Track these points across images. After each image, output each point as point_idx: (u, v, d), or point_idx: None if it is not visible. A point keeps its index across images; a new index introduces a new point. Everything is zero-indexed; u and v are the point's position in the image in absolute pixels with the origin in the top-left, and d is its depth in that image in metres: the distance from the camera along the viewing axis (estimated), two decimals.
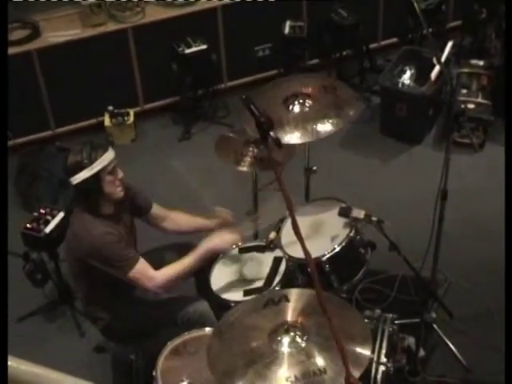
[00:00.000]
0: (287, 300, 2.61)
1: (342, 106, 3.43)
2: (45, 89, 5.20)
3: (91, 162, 2.99)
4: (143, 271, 3.10)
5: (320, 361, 2.36)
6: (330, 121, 3.35)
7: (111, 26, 5.27)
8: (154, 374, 2.88)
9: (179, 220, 3.55)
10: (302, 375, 2.31)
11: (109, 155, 3.06)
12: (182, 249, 3.39)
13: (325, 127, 3.33)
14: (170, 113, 5.69)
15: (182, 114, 5.58)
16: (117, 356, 3.68)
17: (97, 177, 3.02)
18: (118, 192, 3.14)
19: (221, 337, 2.56)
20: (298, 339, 2.45)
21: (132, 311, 3.28)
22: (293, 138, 3.31)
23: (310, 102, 3.46)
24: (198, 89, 5.57)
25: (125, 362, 3.46)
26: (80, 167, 2.99)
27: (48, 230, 3.83)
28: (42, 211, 3.93)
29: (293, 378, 2.30)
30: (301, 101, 3.46)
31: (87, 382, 1.73)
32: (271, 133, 2.08)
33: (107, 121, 5.32)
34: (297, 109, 3.45)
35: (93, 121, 5.43)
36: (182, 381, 2.79)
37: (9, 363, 1.66)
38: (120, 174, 3.12)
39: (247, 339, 2.48)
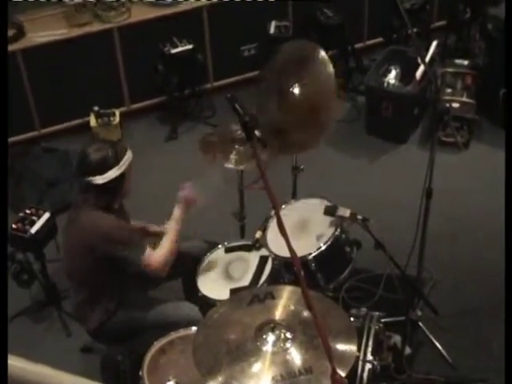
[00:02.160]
0: (273, 297, 2.61)
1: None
2: (30, 89, 5.18)
3: (118, 160, 3.01)
4: (151, 254, 3.12)
5: (305, 360, 2.36)
6: None
7: (97, 26, 5.26)
8: (140, 373, 2.88)
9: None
10: (287, 374, 2.31)
11: (130, 153, 3.11)
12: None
13: None
14: (156, 113, 5.69)
15: (168, 114, 5.58)
16: (104, 357, 3.68)
17: (123, 175, 3.05)
18: (129, 188, 3.19)
19: (206, 333, 2.56)
20: (284, 338, 2.45)
21: (122, 314, 3.27)
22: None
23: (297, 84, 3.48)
24: (184, 89, 5.57)
25: (112, 363, 3.46)
26: (108, 166, 2.99)
27: (34, 230, 3.82)
28: (28, 212, 3.91)
29: (278, 377, 2.30)
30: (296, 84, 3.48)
31: (85, 379, 1.73)
32: (256, 132, 2.09)
33: (93, 121, 5.30)
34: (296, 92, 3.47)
35: (79, 121, 5.41)
36: (169, 380, 2.78)
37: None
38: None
39: (232, 336, 2.48)
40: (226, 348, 2.42)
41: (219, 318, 2.62)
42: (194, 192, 3.32)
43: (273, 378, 2.30)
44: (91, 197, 3.07)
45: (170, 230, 3.23)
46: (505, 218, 2.92)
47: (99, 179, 3.00)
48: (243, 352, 2.39)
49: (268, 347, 2.41)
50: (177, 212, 3.28)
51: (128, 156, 3.08)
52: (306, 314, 2.46)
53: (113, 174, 3.01)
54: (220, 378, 2.31)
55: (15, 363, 1.65)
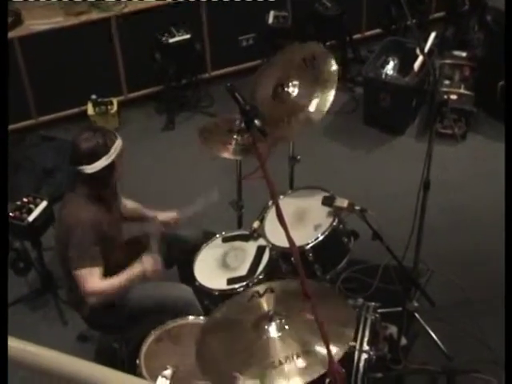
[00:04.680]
0: (272, 291, 2.64)
1: (323, 77, 3.43)
2: (27, 77, 5.17)
3: (107, 150, 2.98)
4: (90, 276, 3.02)
5: (309, 342, 2.38)
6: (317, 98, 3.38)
7: (94, 15, 5.23)
8: (137, 362, 2.89)
9: (128, 208, 3.53)
10: (295, 354, 2.36)
11: (120, 141, 3.07)
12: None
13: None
14: (154, 102, 5.68)
15: (165, 104, 5.56)
16: (100, 345, 3.69)
17: (112, 164, 3.02)
18: (119, 177, 3.16)
19: (209, 334, 2.59)
20: (285, 325, 2.49)
21: (117, 299, 3.27)
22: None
23: (295, 82, 3.49)
24: (182, 78, 5.56)
25: (108, 351, 3.47)
26: (97, 155, 2.97)
27: (31, 218, 3.82)
28: (25, 200, 3.91)
29: (277, 364, 2.31)
30: (289, 84, 3.50)
31: (80, 360, 1.74)
32: (256, 121, 2.09)
33: (90, 109, 5.30)
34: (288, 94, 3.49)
35: (76, 109, 5.40)
36: (166, 368, 2.79)
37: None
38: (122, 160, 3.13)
39: (236, 333, 2.52)
40: (232, 348, 2.46)
41: (222, 318, 2.68)
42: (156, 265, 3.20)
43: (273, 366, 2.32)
44: (81, 185, 3.07)
45: (126, 273, 3.13)
46: (505, 213, 2.91)
47: (88, 169, 2.98)
48: (249, 347, 2.42)
49: (273, 334, 2.46)
50: (137, 268, 3.15)
51: (117, 144, 3.04)
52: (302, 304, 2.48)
53: (102, 163, 2.98)
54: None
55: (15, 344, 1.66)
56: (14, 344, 1.68)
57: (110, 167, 3.02)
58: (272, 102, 3.49)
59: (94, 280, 3.03)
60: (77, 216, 3.03)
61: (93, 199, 3.08)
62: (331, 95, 3.35)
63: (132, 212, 3.54)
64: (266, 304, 2.65)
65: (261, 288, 2.72)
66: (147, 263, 3.16)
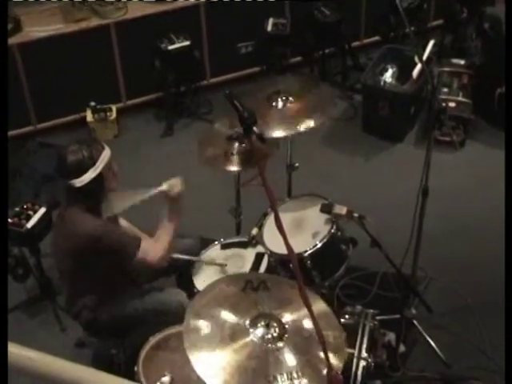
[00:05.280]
0: (266, 288, 2.57)
1: (322, 105, 3.49)
2: (26, 84, 5.18)
3: (94, 161, 2.95)
4: (147, 247, 3.10)
5: (295, 363, 2.33)
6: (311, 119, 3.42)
7: (94, 22, 5.25)
8: (135, 368, 2.88)
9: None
10: (279, 375, 2.27)
11: (107, 151, 3.04)
12: None
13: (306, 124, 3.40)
14: (153, 109, 5.69)
15: (164, 110, 5.57)
16: (98, 351, 3.68)
17: (100, 176, 2.98)
18: (116, 186, 3.13)
19: (197, 316, 2.52)
20: (277, 338, 2.39)
21: (112, 308, 3.27)
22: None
23: (291, 99, 3.56)
24: (181, 85, 5.57)
25: (106, 357, 3.46)
26: (84, 168, 2.93)
27: (30, 225, 3.81)
28: (24, 206, 3.91)
29: (271, 378, 2.27)
30: (283, 98, 3.56)
31: (80, 366, 1.73)
32: (255, 128, 2.10)
33: (89, 116, 5.31)
34: (280, 105, 3.55)
35: (75, 116, 5.41)
36: (164, 375, 2.78)
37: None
38: (116, 167, 3.11)
39: (225, 321, 2.43)
40: (219, 337, 2.39)
41: (212, 298, 2.56)
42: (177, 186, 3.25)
43: (266, 379, 2.27)
44: (74, 199, 3.04)
45: (165, 227, 3.20)
46: (505, 219, 2.92)
47: (76, 182, 2.95)
48: (233, 338, 2.36)
49: (257, 341, 2.36)
50: (165, 210, 3.23)
51: (104, 155, 3.00)
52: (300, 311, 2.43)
53: (89, 176, 2.94)
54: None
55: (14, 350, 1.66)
56: (13, 350, 1.68)
57: (99, 179, 2.98)
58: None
59: (149, 249, 3.10)
60: (92, 232, 2.99)
61: (89, 211, 3.05)
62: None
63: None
64: (259, 306, 2.54)
65: (255, 279, 2.61)
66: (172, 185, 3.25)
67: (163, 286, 3.64)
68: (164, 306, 3.23)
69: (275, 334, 2.39)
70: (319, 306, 2.56)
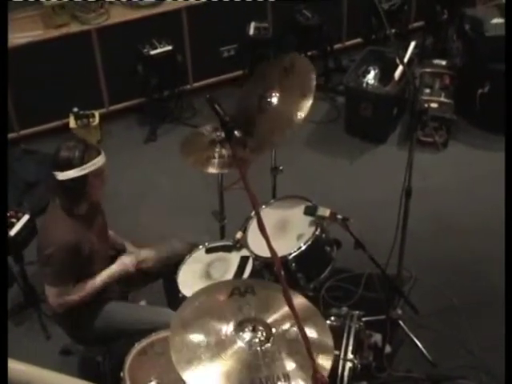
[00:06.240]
0: (253, 293, 2.58)
1: (303, 87, 3.48)
2: (8, 90, 5.14)
3: (82, 162, 2.97)
4: (59, 294, 3.09)
5: (285, 365, 2.33)
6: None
7: (75, 28, 5.23)
8: (121, 375, 2.87)
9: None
10: (265, 378, 2.27)
11: (101, 159, 3.05)
12: None
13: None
14: (136, 114, 5.67)
15: (147, 115, 5.57)
16: (84, 358, 3.66)
17: (84, 178, 3.00)
18: (100, 196, 3.16)
19: (184, 322, 2.49)
20: (264, 341, 2.40)
21: (100, 319, 3.26)
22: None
23: (277, 93, 3.54)
24: (164, 90, 5.56)
25: (92, 364, 3.45)
26: (70, 165, 2.96)
27: (13, 232, 3.79)
28: (7, 214, 3.88)
29: (257, 382, 2.28)
30: (269, 100, 3.55)
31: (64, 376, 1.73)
32: (236, 132, 2.10)
33: (72, 122, 5.28)
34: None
35: (58, 123, 5.39)
36: (150, 381, 2.78)
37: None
38: (106, 178, 3.12)
39: (212, 329, 2.43)
40: (205, 342, 2.38)
41: (199, 306, 2.57)
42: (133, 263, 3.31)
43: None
44: (54, 192, 3.09)
45: (99, 279, 3.19)
46: (505, 219, 2.94)
47: (60, 175, 2.99)
48: (222, 349, 2.36)
49: (245, 346, 2.37)
50: (116, 267, 3.25)
51: (96, 161, 3.02)
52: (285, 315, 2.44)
53: (73, 173, 2.97)
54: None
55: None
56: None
57: (82, 181, 3.00)
58: (258, 115, 3.53)
59: (62, 297, 3.09)
60: (54, 233, 3.05)
61: (67, 212, 3.08)
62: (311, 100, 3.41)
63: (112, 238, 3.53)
64: (245, 311, 2.53)
65: (241, 285, 2.63)
66: (126, 259, 3.28)
67: (151, 290, 3.65)
68: (151, 326, 3.19)
69: (262, 338, 2.39)
70: (305, 307, 2.58)
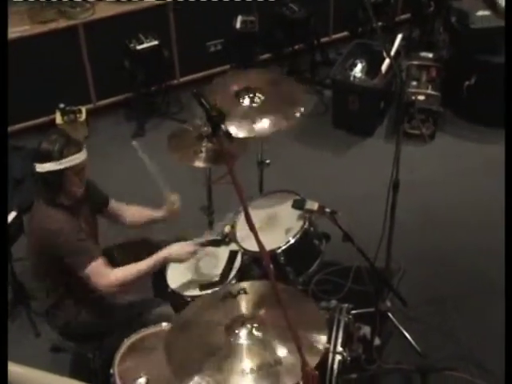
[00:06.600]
0: (245, 292, 2.63)
1: (291, 101, 3.50)
2: None
3: (61, 156, 2.96)
4: (99, 269, 3.02)
5: (277, 352, 2.38)
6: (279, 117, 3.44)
7: (61, 23, 5.21)
8: (111, 371, 2.87)
9: (134, 213, 3.57)
10: (258, 367, 2.33)
11: (81, 156, 3.02)
12: (138, 247, 3.40)
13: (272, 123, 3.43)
14: (123, 109, 5.66)
15: (135, 111, 5.55)
16: (75, 355, 3.66)
17: (61, 173, 2.98)
18: (79, 192, 3.12)
19: (179, 331, 2.57)
20: (255, 331, 2.48)
21: (89, 313, 3.25)
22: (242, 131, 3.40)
23: (260, 96, 3.56)
24: (151, 85, 5.55)
25: (82, 361, 3.44)
26: (48, 158, 2.95)
27: None
28: None
29: (248, 371, 2.32)
30: (251, 95, 3.55)
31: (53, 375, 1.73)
32: (222, 126, 2.10)
33: (59, 118, 5.26)
34: (247, 102, 3.55)
35: (44, 118, 5.37)
36: (140, 377, 2.77)
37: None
38: (86, 176, 3.11)
39: (205, 333, 2.50)
40: (199, 344, 2.43)
41: (193, 316, 2.63)
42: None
43: (243, 372, 2.31)
44: (38, 186, 3.07)
45: (144, 264, 3.12)
46: (505, 216, 2.95)
47: (38, 167, 2.99)
48: (216, 348, 2.41)
49: (240, 342, 2.44)
50: (159, 257, 3.16)
51: (75, 157, 2.99)
52: (276, 307, 2.47)
53: (50, 167, 2.96)
54: (191, 374, 2.32)
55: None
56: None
57: (59, 175, 2.98)
58: None
59: (103, 273, 3.02)
60: (53, 225, 3.00)
61: (51, 204, 3.05)
62: None
63: (140, 217, 3.58)
64: (238, 307, 2.63)
65: (233, 289, 2.70)
66: (175, 247, 3.21)
67: (139, 284, 3.64)
68: (146, 319, 3.19)
69: (258, 333, 2.46)
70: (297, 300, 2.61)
